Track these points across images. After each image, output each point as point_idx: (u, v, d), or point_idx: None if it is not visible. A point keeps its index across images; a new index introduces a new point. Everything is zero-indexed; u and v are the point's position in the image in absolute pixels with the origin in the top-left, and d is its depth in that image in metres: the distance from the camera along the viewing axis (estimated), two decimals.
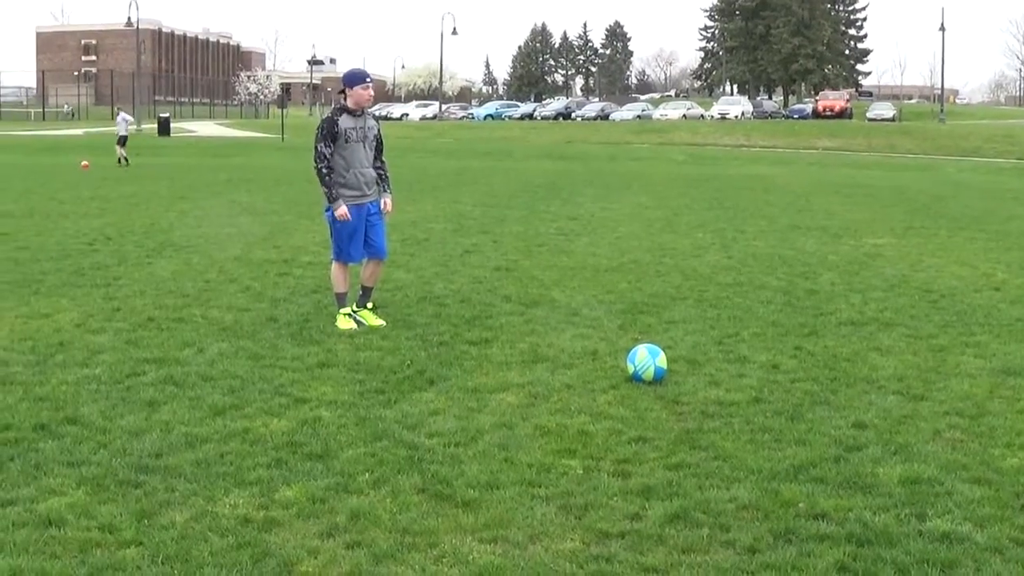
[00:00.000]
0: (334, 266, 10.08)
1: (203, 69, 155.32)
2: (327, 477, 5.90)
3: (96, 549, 4.91)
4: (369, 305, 10.11)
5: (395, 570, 4.77)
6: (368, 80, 9.84)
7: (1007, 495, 5.74)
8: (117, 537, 5.04)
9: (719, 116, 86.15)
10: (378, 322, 9.90)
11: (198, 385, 7.75)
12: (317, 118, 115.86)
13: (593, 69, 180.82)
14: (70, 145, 39.97)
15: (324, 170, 9.68)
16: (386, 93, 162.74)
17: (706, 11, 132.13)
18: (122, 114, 38.24)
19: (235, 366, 8.32)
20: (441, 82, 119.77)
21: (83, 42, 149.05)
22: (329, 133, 9.68)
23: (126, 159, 35.37)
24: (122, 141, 35.93)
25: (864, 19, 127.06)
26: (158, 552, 4.88)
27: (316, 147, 9.70)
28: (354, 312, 9.96)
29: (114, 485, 5.70)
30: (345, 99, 9.75)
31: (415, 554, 4.93)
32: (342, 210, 9.65)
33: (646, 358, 8.03)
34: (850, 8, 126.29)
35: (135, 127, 38.34)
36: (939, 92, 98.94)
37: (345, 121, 9.73)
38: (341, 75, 10.13)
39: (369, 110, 10.00)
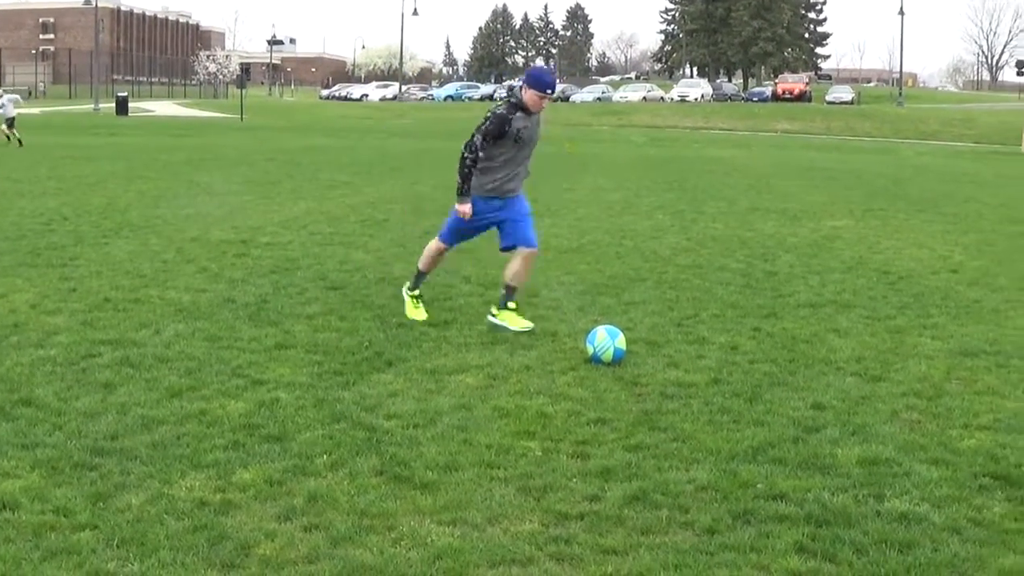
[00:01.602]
0: (434, 243, 9.55)
1: (162, 48, 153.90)
2: (285, 459, 5.86)
3: (50, 532, 4.85)
4: (512, 305, 9.09)
5: (353, 553, 4.74)
6: (549, 92, 8.98)
7: (964, 476, 5.78)
8: (72, 520, 4.98)
9: (679, 98, 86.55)
10: (523, 324, 9.00)
11: (154, 367, 7.68)
12: (276, 98, 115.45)
13: (554, 51, 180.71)
14: (27, 124, 39.49)
15: (469, 162, 8.84)
16: (346, 73, 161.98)
17: None
18: (8, 95, 37.26)
19: (192, 347, 8.25)
20: (401, 63, 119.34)
21: (41, 20, 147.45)
22: (498, 132, 8.83)
23: (19, 140, 34.31)
24: (9, 123, 34.96)
25: (824, 2, 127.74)
26: (113, 535, 4.83)
27: (474, 136, 8.85)
28: (493, 316, 9.10)
29: (69, 468, 5.64)
30: (522, 92, 8.93)
31: (373, 536, 4.91)
32: (466, 207, 9.01)
33: (605, 339, 8.03)
34: None
35: (20, 109, 37.18)
36: (897, 76, 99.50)
37: (519, 120, 8.88)
38: (527, 72, 9.28)
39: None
